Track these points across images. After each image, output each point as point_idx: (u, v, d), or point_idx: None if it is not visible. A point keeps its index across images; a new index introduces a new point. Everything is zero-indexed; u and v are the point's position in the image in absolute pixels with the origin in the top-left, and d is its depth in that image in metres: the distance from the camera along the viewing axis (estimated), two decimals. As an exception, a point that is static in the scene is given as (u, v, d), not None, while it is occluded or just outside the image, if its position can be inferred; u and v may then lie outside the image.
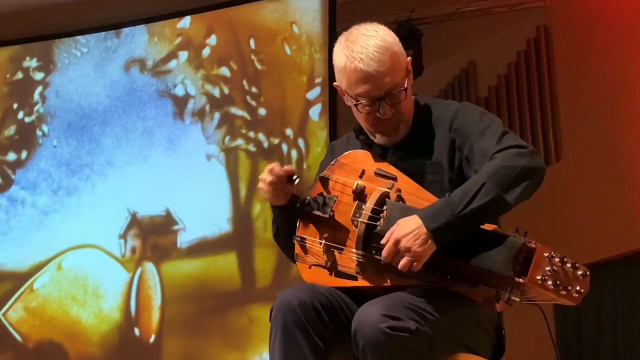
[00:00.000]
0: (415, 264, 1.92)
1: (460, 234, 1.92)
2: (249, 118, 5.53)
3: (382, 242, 1.95)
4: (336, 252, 2.08)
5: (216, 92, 5.63)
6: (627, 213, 4.96)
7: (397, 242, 1.92)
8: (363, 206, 2.05)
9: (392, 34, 2.14)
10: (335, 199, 2.11)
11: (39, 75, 6.02)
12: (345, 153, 2.20)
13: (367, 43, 2.08)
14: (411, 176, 2.09)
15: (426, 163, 2.12)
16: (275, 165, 2.17)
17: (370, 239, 2.01)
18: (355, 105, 2.12)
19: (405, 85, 2.10)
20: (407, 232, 1.91)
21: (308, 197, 2.16)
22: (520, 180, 1.94)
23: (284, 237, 2.26)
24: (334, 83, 2.21)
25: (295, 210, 2.19)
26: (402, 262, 1.92)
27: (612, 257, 4.98)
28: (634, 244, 4.91)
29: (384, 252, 1.94)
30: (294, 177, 2.17)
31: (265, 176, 2.17)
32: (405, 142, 2.16)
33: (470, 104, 2.22)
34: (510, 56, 6.21)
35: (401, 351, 1.87)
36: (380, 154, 2.18)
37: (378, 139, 2.18)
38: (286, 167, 2.18)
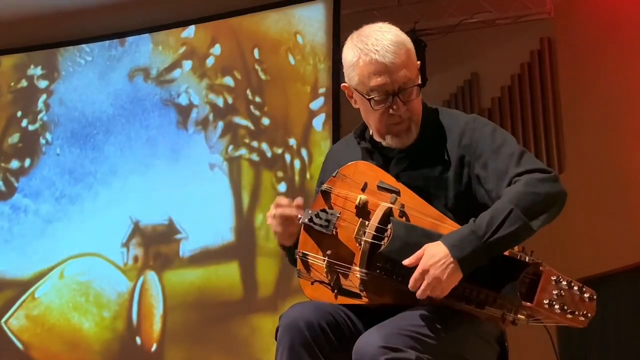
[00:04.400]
0: (440, 292, 1.89)
1: (486, 261, 1.89)
2: (252, 127, 5.53)
3: (406, 263, 1.91)
4: (339, 270, 2.05)
5: (220, 102, 5.64)
6: (631, 225, 4.95)
7: (425, 272, 1.89)
8: (367, 224, 2.01)
9: (404, 33, 2.12)
10: (338, 215, 2.07)
11: (43, 84, 6.03)
12: (347, 164, 2.14)
13: (382, 37, 2.05)
14: (415, 189, 2.05)
15: (431, 177, 2.08)
16: (281, 198, 2.16)
17: (375, 257, 1.98)
18: (369, 101, 2.05)
19: (418, 82, 2.08)
20: (434, 261, 1.87)
21: (310, 212, 2.11)
22: (545, 207, 1.93)
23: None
24: (342, 84, 2.15)
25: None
26: (430, 292, 1.88)
27: (615, 270, 4.97)
28: (637, 256, 4.89)
29: (411, 282, 1.91)
30: (299, 216, 2.13)
31: (274, 212, 2.14)
32: (410, 151, 2.11)
33: (480, 118, 2.15)
34: (513, 68, 6.21)
35: None
36: (382, 164, 2.13)
37: (388, 140, 2.11)
38: (297, 201, 2.14)
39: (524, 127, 6.06)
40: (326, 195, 2.13)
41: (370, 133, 2.18)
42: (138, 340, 5.41)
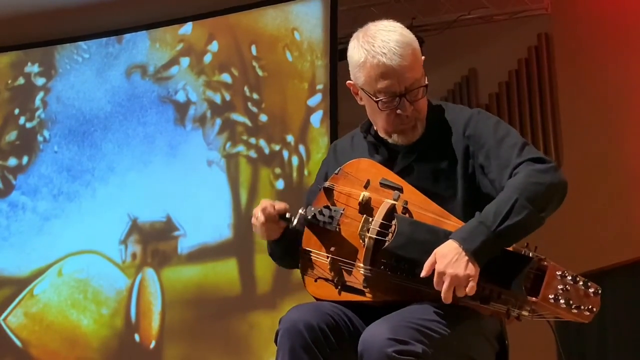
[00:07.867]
0: (469, 285, 1.87)
1: (498, 251, 1.89)
2: (250, 124, 5.53)
3: (423, 275, 1.90)
4: (343, 267, 2.05)
5: (217, 99, 5.64)
6: (629, 220, 4.95)
7: (442, 275, 1.88)
8: (370, 220, 2.01)
9: (409, 30, 2.11)
10: (342, 212, 2.07)
11: (40, 81, 6.03)
12: (349, 162, 2.15)
13: (389, 38, 2.04)
14: (424, 182, 2.06)
15: (439, 169, 2.09)
16: (267, 205, 2.14)
17: (379, 254, 1.98)
18: (376, 102, 2.06)
19: (424, 83, 2.09)
20: (448, 260, 1.87)
21: (313, 209, 2.10)
22: (548, 196, 1.93)
23: (280, 257, 2.28)
24: (347, 82, 2.15)
25: (287, 239, 2.18)
26: (458, 292, 1.87)
27: (613, 265, 4.97)
28: (635, 251, 4.90)
29: (435, 287, 1.90)
30: (288, 216, 2.14)
31: (259, 216, 2.14)
32: (417, 145, 2.12)
33: (484, 111, 2.17)
34: (511, 63, 6.21)
35: None
36: (388, 158, 2.14)
37: (394, 138, 2.12)
38: (279, 207, 2.14)
39: (522, 123, 6.07)
40: (329, 192, 2.13)
41: (375, 129, 2.18)
42: (137, 337, 5.41)
